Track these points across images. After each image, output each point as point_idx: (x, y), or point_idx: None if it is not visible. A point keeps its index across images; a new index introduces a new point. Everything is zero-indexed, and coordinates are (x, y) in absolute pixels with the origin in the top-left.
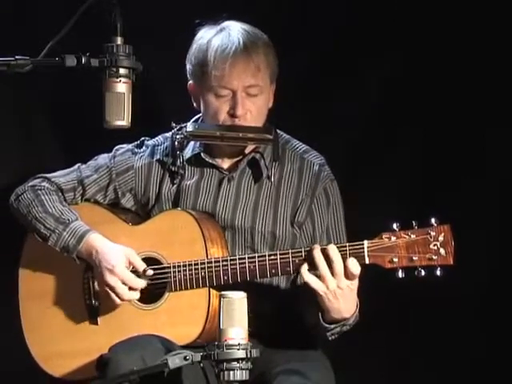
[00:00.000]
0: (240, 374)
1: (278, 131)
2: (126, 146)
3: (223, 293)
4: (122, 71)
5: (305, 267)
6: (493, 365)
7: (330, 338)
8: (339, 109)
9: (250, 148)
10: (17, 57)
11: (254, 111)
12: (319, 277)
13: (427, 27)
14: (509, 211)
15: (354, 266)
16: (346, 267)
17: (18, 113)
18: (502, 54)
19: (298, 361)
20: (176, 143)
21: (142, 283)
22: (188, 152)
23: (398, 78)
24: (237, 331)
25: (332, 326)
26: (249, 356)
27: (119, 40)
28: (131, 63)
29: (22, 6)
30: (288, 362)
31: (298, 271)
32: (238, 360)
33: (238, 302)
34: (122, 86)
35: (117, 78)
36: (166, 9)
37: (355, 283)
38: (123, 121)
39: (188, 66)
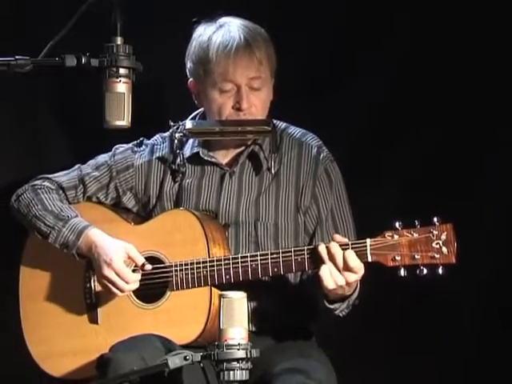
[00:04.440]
0: (240, 374)
1: (275, 121)
2: (125, 145)
3: (223, 293)
4: (121, 71)
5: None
6: (493, 363)
7: (341, 315)
8: (341, 106)
9: (249, 141)
10: (17, 57)
11: (258, 105)
12: (328, 274)
13: (430, 26)
14: (509, 210)
15: (352, 258)
16: (345, 261)
17: (18, 113)
18: (506, 54)
19: (300, 359)
20: (175, 141)
21: (136, 276)
22: (187, 151)
23: (397, 77)
24: (237, 331)
25: (338, 305)
26: (249, 356)
27: (119, 40)
28: (131, 63)
29: (22, 7)
30: (289, 361)
31: (301, 270)
32: (238, 360)
33: (238, 302)
34: (122, 86)
35: (117, 77)
36: (165, 8)
37: (361, 274)
38: (123, 121)
39: (189, 65)
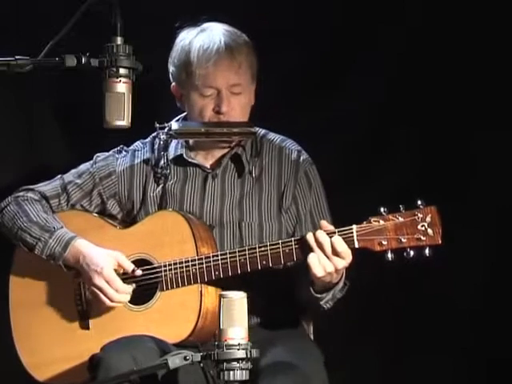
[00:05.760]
0: (240, 374)
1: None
2: (106, 153)
3: (223, 293)
4: (122, 71)
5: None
6: (491, 363)
7: (325, 307)
8: (335, 109)
9: (233, 142)
10: (17, 57)
11: (237, 109)
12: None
13: (423, 29)
14: (505, 211)
15: (339, 244)
16: (333, 247)
17: (18, 114)
18: (495, 56)
19: (291, 353)
20: (160, 143)
21: (128, 288)
22: (171, 153)
23: (395, 78)
24: (237, 331)
25: (324, 295)
26: (249, 356)
27: (119, 40)
28: (131, 63)
29: (22, 6)
30: (278, 354)
31: (290, 261)
32: (237, 360)
33: (238, 302)
34: (121, 86)
35: (117, 77)
36: (165, 8)
37: (349, 260)
38: (123, 121)
39: (171, 69)
